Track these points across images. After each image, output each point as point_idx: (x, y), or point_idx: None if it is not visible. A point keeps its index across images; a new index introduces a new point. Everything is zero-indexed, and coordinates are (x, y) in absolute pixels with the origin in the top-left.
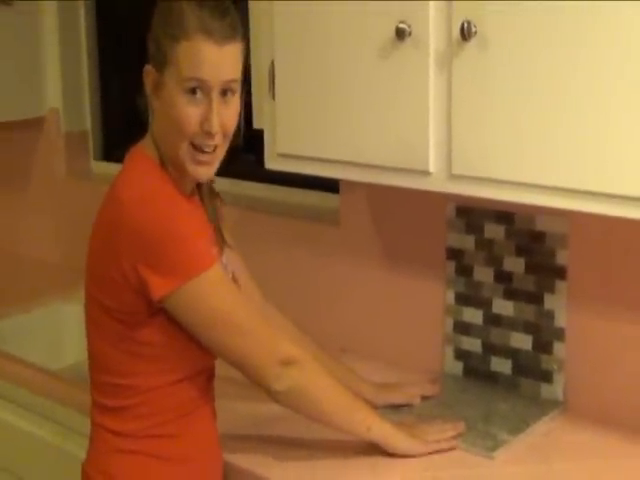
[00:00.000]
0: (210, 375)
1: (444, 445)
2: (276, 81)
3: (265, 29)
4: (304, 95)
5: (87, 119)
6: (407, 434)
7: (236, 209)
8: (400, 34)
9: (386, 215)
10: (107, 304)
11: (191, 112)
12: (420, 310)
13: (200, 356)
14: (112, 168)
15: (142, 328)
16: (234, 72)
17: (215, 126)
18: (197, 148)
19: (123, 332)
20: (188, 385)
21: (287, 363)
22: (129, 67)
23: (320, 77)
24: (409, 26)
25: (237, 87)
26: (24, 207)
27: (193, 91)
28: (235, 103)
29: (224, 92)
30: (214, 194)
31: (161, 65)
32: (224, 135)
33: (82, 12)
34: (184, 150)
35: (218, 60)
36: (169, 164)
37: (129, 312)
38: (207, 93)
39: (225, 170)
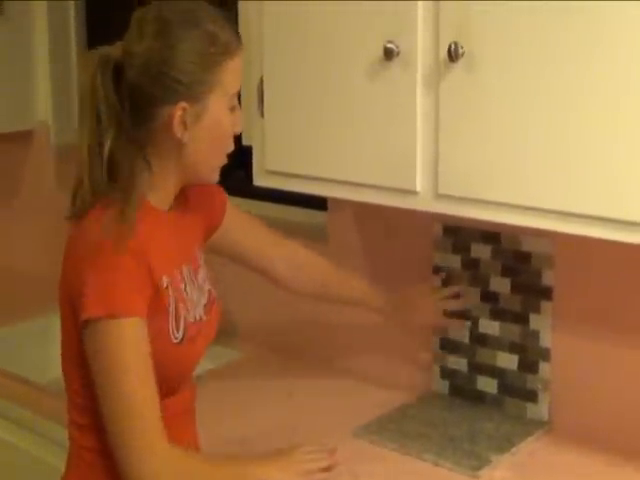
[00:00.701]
0: (180, 398)
1: (318, 476)
2: (265, 98)
3: (254, 46)
4: (292, 112)
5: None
6: (279, 468)
7: None
8: (388, 54)
9: (373, 233)
10: (68, 324)
11: (232, 125)
12: (407, 328)
13: (160, 380)
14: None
15: None
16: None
17: (240, 129)
18: None
19: (83, 354)
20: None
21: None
22: None
23: (309, 95)
24: (397, 46)
25: None
26: (13, 220)
27: (232, 108)
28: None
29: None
30: (207, 195)
31: (202, 94)
32: None
33: (72, 25)
34: (221, 162)
35: (242, 69)
36: (156, 188)
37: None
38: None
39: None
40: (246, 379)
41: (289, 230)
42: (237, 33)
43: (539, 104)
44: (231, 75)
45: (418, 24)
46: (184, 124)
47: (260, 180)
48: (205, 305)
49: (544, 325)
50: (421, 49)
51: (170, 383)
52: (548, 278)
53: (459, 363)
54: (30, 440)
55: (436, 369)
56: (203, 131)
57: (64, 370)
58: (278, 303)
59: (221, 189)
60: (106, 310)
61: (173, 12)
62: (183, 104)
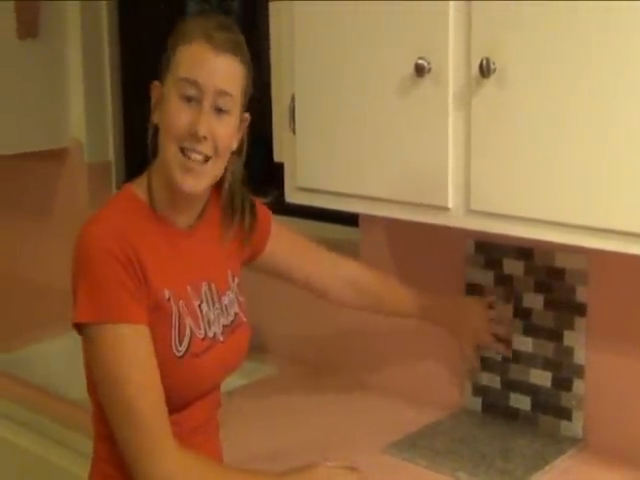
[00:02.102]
0: (188, 416)
1: None
2: (296, 115)
3: (286, 63)
4: (324, 129)
5: (110, 150)
6: None
7: None
8: (419, 70)
9: (405, 249)
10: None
11: (182, 114)
12: (438, 344)
13: (173, 394)
14: None
15: None
16: (229, 84)
17: (203, 129)
18: (185, 153)
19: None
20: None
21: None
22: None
23: (340, 112)
24: (428, 62)
25: (232, 107)
26: (47, 237)
27: (188, 99)
28: (229, 123)
29: (218, 109)
30: (246, 218)
31: (164, 74)
32: (215, 149)
33: (106, 44)
34: (172, 154)
35: (214, 66)
36: (160, 196)
37: None
38: (200, 102)
39: None
40: (277, 395)
41: (321, 246)
42: (229, 38)
43: (571, 119)
44: (183, 59)
45: (449, 40)
46: (156, 103)
47: (292, 197)
48: (226, 326)
49: (578, 342)
50: (452, 65)
51: (174, 398)
52: (582, 294)
53: (492, 380)
54: (62, 454)
55: (468, 386)
56: (162, 115)
57: (87, 382)
58: (310, 319)
59: (267, 216)
60: (96, 315)
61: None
62: (157, 82)
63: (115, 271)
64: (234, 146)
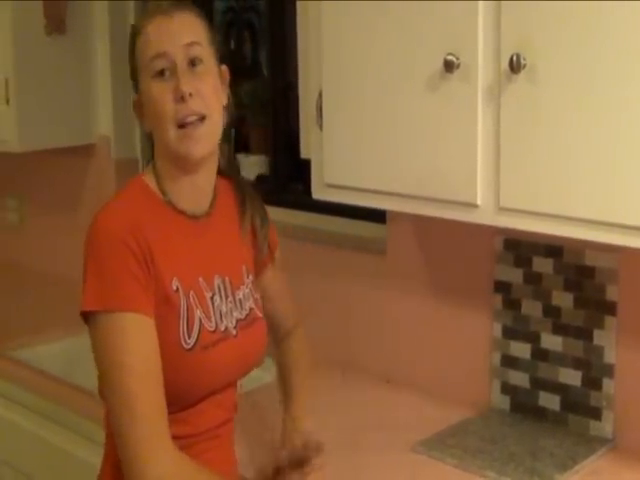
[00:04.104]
0: (202, 415)
1: None
2: (323, 111)
3: (313, 60)
4: (352, 126)
5: (137, 146)
6: None
7: (283, 238)
8: (448, 66)
9: (433, 246)
10: None
11: (163, 90)
12: (466, 342)
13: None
14: None
15: None
16: (193, 34)
17: (185, 87)
18: (182, 125)
19: None
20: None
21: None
22: None
23: (368, 108)
24: (457, 58)
25: (204, 54)
26: (74, 232)
27: (161, 73)
28: (208, 74)
29: (192, 62)
30: (259, 221)
31: (134, 78)
32: (205, 105)
33: None
34: (173, 134)
35: (172, 27)
36: (168, 183)
37: None
38: (174, 68)
39: (273, 199)
40: None
41: (348, 243)
42: (176, 3)
43: (603, 116)
44: (144, 45)
45: (479, 36)
46: (140, 112)
47: (319, 193)
48: (240, 320)
49: (608, 341)
50: (482, 61)
51: (183, 393)
52: (612, 293)
53: (520, 379)
54: (91, 450)
55: (496, 384)
56: (149, 111)
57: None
58: (336, 315)
59: (276, 240)
60: (103, 303)
61: None
62: (133, 96)
63: (125, 260)
64: (223, 100)
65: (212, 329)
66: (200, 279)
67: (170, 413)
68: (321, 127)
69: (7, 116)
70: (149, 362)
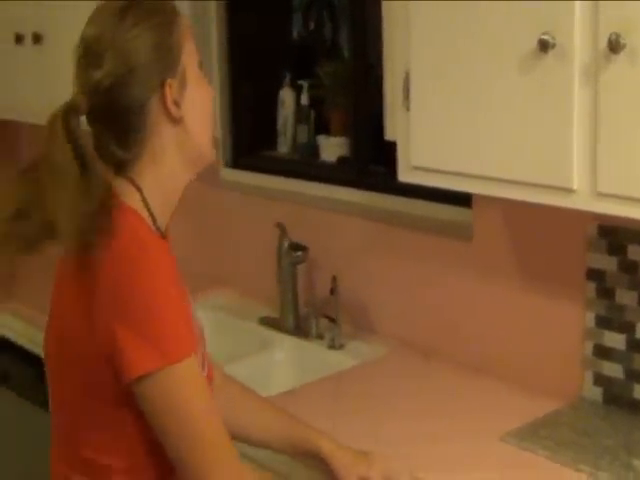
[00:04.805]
0: None
1: None
2: (411, 92)
3: (400, 39)
4: (440, 107)
5: (217, 126)
6: None
7: (364, 221)
8: (543, 46)
9: (522, 231)
10: (79, 379)
11: (209, 87)
12: (557, 332)
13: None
14: (241, 175)
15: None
16: None
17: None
18: None
19: (102, 409)
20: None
21: None
22: (259, 75)
23: (458, 89)
24: (553, 37)
25: None
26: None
27: (200, 65)
28: None
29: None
30: None
31: (174, 61)
32: None
33: (214, 20)
34: (210, 138)
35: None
36: (158, 209)
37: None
38: (201, 64)
39: (354, 181)
40: (386, 378)
41: (432, 227)
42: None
43: None
44: (185, 29)
45: (575, 15)
46: (175, 101)
47: (405, 176)
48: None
49: None
50: (579, 40)
51: None
52: None
53: (615, 370)
54: None
55: (589, 375)
56: (191, 96)
57: (72, 425)
58: (421, 299)
59: None
60: (164, 358)
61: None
62: (168, 81)
63: (177, 304)
64: None
65: (201, 359)
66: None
67: None
68: (408, 108)
69: None
70: (207, 394)
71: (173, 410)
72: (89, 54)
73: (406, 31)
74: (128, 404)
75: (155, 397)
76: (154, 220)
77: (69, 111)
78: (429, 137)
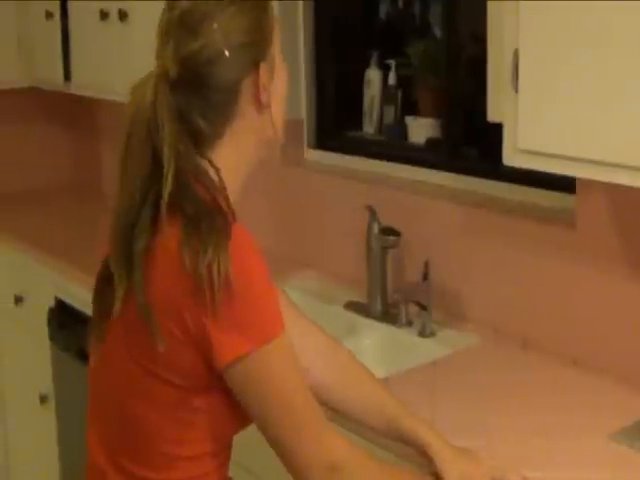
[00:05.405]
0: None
1: None
2: (520, 72)
3: (509, 15)
4: (551, 88)
5: (302, 108)
6: None
7: (455, 205)
8: None
9: (630, 218)
10: (157, 368)
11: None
12: None
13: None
14: (325, 156)
15: (200, 394)
16: None
17: None
18: None
19: (178, 398)
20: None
21: (333, 469)
22: (345, 55)
23: (571, 68)
24: None
25: None
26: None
27: None
28: None
29: None
30: None
31: (267, 44)
32: None
33: (300, 1)
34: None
35: None
36: (231, 183)
37: (186, 375)
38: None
39: (444, 164)
40: (481, 368)
41: (531, 212)
42: None
43: None
44: (271, 12)
45: None
46: (264, 86)
47: (511, 159)
48: None
49: None
50: None
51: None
52: None
53: None
54: None
55: None
56: (276, 81)
57: (137, 419)
58: (517, 285)
59: None
60: (260, 338)
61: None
62: (261, 64)
63: (263, 269)
64: None
65: None
66: None
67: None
68: (516, 89)
69: None
70: (298, 367)
71: (267, 390)
72: (185, 24)
73: (515, 8)
74: (206, 392)
75: (249, 379)
76: (228, 202)
77: (160, 76)
78: (538, 119)
